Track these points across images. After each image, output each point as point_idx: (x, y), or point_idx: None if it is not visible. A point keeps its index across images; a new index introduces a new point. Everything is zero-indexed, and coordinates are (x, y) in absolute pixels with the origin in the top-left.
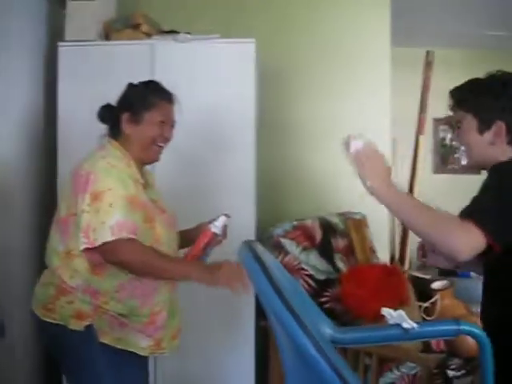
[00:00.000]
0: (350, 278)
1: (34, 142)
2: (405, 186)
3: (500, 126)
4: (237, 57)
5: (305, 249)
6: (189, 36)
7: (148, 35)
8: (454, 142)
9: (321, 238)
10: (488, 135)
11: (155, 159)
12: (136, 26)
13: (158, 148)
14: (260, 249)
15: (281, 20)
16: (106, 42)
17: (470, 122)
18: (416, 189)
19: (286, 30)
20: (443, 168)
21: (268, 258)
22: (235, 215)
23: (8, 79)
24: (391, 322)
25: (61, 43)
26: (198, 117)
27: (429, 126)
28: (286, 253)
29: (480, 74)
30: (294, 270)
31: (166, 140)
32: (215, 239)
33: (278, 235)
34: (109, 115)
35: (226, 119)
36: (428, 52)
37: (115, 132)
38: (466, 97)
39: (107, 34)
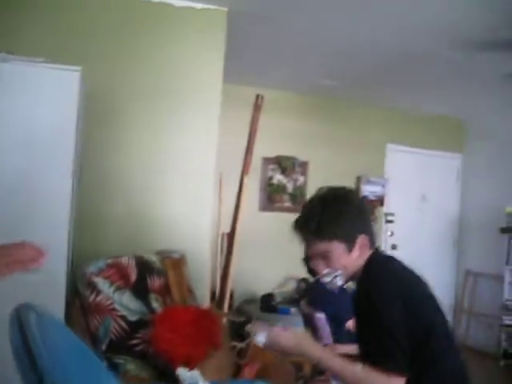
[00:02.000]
0: (163, 321)
1: None
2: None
3: (363, 238)
4: (61, 84)
5: (118, 288)
6: (11, 56)
7: None
8: (281, 181)
9: (136, 277)
10: (355, 251)
11: None
12: None
13: None
14: (34, 316)
15: (111, 49)
16: None
17: (338, 248)
18: (239, 226)
19: (115, 59)
20: (270, 206)
21: (46, 325)
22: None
23: None
24: (186, 383)
25: None
26: (12, 143)
27: (257, 165)
28: (99, 292)
29: (309, 117)
30: (106, 311)
31: None
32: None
33: (92, 273)
34: None
35: (43, 148)
36: (258, 96)
37: None
38: (324, 227)
39: None
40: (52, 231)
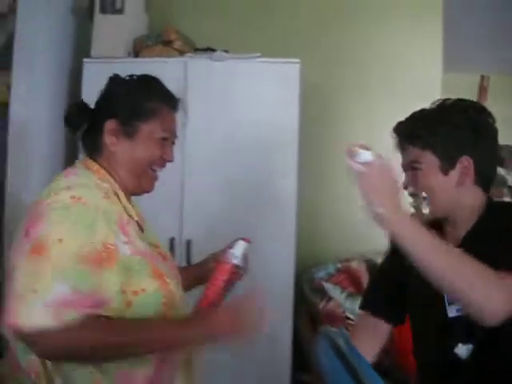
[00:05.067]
0: (402, 332)
1: (58, 157)
2: None
3: (467, 162)
4: (279, 78)
5: (350, 295)
6: (226, 54)
7: (181, 52)
8: (498, 173)
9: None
10: (454, 175)
11: (148, 189)
12: (168, 43)
13: (154, 174)
14: (342, 340)
15: (324, 40)
16: (135, 59)
17: (429, 162)
18: None
19: (329, 50)
20: None
21: (352, 348)
22: (272, 250)
23: (32, 95)
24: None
25: (86, 59)
26: (235, 141)
27: None
28: (329, 299)
29: None
30: (338, 319)
31: (165, 163)
32: (236, 273)
33: (321, 278)
34: (82, 119)
35: (266, 145)
36: (483, 77)
37: (92, 146)
38: (420, 131)
39: (138, 51)
40: (280, 234)
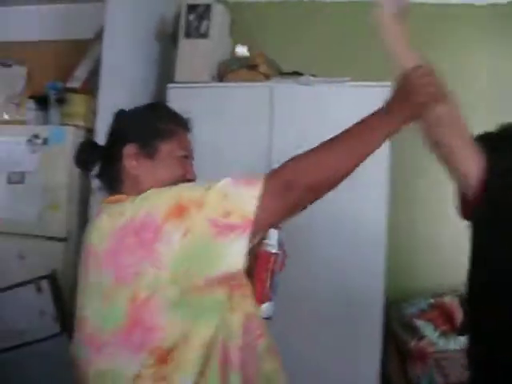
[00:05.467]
0: None
1: None
2: None
3: None
4: (370, 102)
5: (443, 333)
6: (313, 78)
7: (266, 76)
8: None
9: (461, 320)
10: None
11: None
12: (253, 67)
13: None
14: None
15: None
16: (220, 84)
17: None
18: None
19: None
20: None
21: None
22: (360, 283)
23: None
24: None
25: (170, 85)
26: None
27: None
28: (422, 337)
29: None
30: (430, 358)
31: (190, 182)
32: (276, 261)
33: (412, 315)
34: (93, 156)
35: (354, 172)
36: None
37: (113, 178)
38: None
39: (222, 75)
40: (368, 266)
